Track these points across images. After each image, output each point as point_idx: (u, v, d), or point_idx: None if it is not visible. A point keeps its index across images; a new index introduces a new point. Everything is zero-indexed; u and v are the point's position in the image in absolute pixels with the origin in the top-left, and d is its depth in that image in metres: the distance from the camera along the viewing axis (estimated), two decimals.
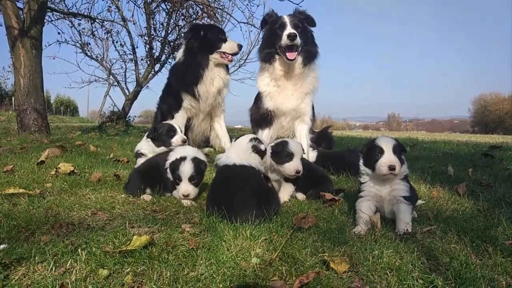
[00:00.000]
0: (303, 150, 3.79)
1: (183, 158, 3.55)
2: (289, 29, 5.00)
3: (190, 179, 3.51)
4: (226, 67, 6.79)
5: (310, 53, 5.28)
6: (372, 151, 3.04)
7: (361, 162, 3.18)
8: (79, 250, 2.33)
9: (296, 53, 5.07)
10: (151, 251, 2.37)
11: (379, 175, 3.00)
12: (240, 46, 6.55)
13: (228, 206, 2.95)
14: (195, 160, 3.57)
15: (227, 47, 6.45)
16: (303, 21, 5.28)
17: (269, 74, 5.41)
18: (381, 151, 2.97)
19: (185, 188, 3.50)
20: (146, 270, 2.17)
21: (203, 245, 2.51)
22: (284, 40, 4.96)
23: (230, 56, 6.52)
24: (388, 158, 2.93)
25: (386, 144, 2.98)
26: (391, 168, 2.89)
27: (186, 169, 3.51)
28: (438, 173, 5.10)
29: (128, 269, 2.17)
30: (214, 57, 6.45)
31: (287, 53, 5.05)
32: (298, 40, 5.00)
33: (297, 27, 5.10)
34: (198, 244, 2.50)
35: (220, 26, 15.46)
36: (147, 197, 3.67)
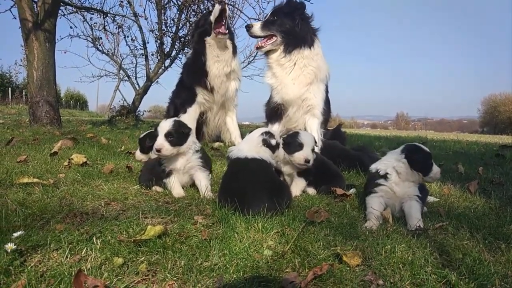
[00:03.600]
0: (315, 141, 3.79)
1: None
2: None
3: (167, 135, 3.49)
4: (233, 51, 6.60)
5: (293, 40, 5.33)
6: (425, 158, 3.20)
7: (402, 164, 3.18)
8: (94, 238, 2.36)
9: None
10: (165, 241, 2.39)
11: (428, 180, 3.25)
12: (221, 2, 6.28)
13: (240, 198, 2.96)
14: (176, 121, 3.63)
15: (212, 14, 6.21)
16: (279, 11, 5.42)
17: (267, 66, 5.61)
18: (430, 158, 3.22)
19: (160, 142, 3.46)
20: (160, 259, 2.19)
21: (216, 236, 2.52)
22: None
23: (220, 27, 6.20)
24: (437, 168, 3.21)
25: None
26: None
27: (164, 124, 3.53)
28: (448, 171, 5.10)
29: (143, 258, 2.19)
30: (209, 40, 6.34)
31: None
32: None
33: (273, 16, 5.40)
34: (211, 235, 2.52)
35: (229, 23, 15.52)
36: (159, 188, 3.69)
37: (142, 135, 4.70)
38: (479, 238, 2.66)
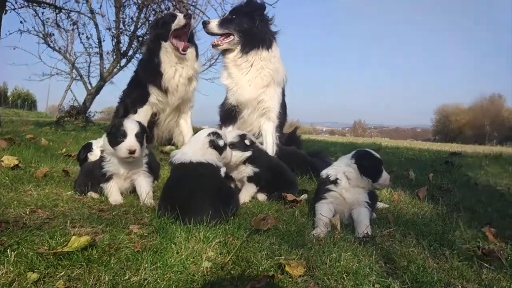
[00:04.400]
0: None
1: (122, 120, 3.41)
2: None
3: (136, 136, 3.27)
4: (196, 55, 6.32)
5: (251, 40, 5.20)
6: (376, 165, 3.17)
7: (352, 169, 3.11)
8: (8, 251, 2.10)
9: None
10: (90, 253, 2.17)
11: (377, 187, 3.20)
12: (187, 16, 5.88)
13: (182, 206, 2.76)
14: (139, 122, 3.43)
15: (175, 23, 5.86)
16: (239, 10, 5.30)
17: (224, 65, 5.43)
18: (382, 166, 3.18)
19: (132, 141, 3.23)
20: (83, 274, 1.97)
21: (149, 247, 2.32)
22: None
23: (180, 45, 5.91)
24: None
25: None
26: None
27: (132, 125, 3.30)
28: (399, 177, 5.14)
29: (62, 273, 1.96)
30: (165, 45, 6.00)
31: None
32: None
33: (231, 15, 5.27)
34: (144, 247, 2.32)
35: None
36: (95, 194, 3.43)
37: (78, 151, 4.29)
38: (425, 244, 2.64)
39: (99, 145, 3.80)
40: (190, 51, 6.09)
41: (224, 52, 5.36)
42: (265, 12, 5.27)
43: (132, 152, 3.22)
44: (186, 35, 5.96)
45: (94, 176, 3.45)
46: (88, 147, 4.01)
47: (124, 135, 3.24)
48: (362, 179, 3.06)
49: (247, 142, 3.69)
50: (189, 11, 14.14)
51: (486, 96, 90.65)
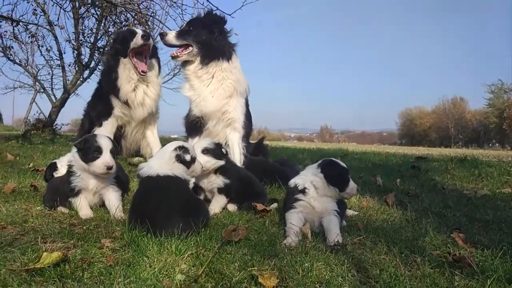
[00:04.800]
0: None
1: (94, 135, 3.39)
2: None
3: (111, 152, 3.30)
4: (156, 74, 6.37)
5: (210, 52, 5.25)
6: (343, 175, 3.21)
7: (319, 178, 3.15)
8: None
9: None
10: (63, 269, 2.15)
11: (344, 196, 3.21)
12: (145, 37, 5.87)
13: (152, 219, 2.75)
14: (109, 137, 3.45)
15: (133, 42, 5.89)
16: (197, 21, 5.38)
17: (185, 77, 5.48)
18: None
19: (108, 158, 3.25)
20: None
21: (122, 261, 2.31)
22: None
23: (142, 66, 5.98)
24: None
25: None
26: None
27: (105, 141, 3.32)
28: (367, 183, 5.23)
29: None
30: (124, 61, 6.05)
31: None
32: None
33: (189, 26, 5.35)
34: (116, 261, 2.31)
35: (150, 33, 15.18)
36: (64, 209, 3.38)
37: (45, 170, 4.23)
38: (396, 252, 2.66)
39: (63, 163, 3.76)
40: (150, 72, 6.19)
41: (184, 63, 5.40)
42: (224, 26, 5.34)
43: (109, 168, 3.24)
44: (148, 53, 6.03)
45: (62, 191, 3.40)
46: (53, 167, 3.95)
47: (99, 151, 3.24)
48: (329, 188, 3.10)
49: (224, 151, 3.73)
50: (146, 26, 14.15)
51: (448, 98, 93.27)
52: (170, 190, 3.01)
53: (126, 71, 6.03)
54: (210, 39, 5.17)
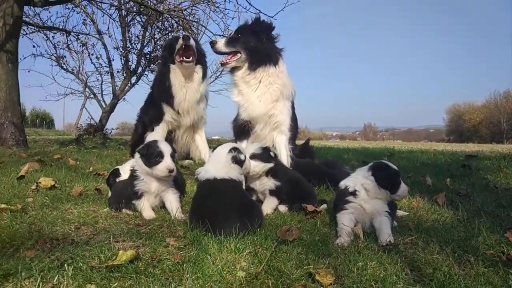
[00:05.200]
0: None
1: (155, 141, 3.64)
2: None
3: (171, 156, 3.55)
4: (202, 75, 6.60)
5: (258, 57, 5.39)
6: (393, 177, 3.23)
7: (370, 180, 3.21)
8: (65, 265, 2.30)
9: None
10: (137, 266, 2.36)
11: (395, 198, 3.25)
12: (185, 38, 6.22)
13: (211, 221, 2.94)
14: (169, 144, 3.70)
15: (178, 43, 6.23)
16: (245, 29, 5.51)
17: (233, 83, 5.65)
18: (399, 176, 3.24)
19: (170, 162, 3.50)
20: (133, 285, 2.15)
21: (188, 259, 2.49)
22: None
23: (184, 56, 6.27)
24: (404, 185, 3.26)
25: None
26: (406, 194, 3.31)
27: (166, 146, 3.57)
28: (416, 184, 5.20)
29: (116, 284, 2.15)
30: (174, 66, 6.37)
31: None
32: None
33: (237, 34, 5.52)
34: (183, 258, 2.49)
35: (195, 37, 15.58)
36: (129, 211, 3.63)
37: (107, 176, 4.40)
38: (449, 251, 2.70)
39: (126, 170, 4.00)
40: (197, 70, 6.44)
41: (233, 69, 5.57)
42: (272, 32, 5.47)
43: (171, 171, 3.49)
44: (192, 53, 6.28)
45: (126, 194, 3.65)
46: (116, 173, 4.18)
47: (161, 155, 3.49)
48: (380, 191, 3.15)
49: (272, 154, 3.88)
50: (190, 31, 14.51)
51: (500, 92, 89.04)
52: (226, 193, 3.20)
53: (177, 77, 6.32)
54: (257, 45, 5.32)
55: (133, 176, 3.64)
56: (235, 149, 3.47)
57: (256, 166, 3.79)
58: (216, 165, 3.40)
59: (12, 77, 8.88)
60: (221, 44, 5.44)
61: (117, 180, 4.09)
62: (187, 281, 2.20)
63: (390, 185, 3.17)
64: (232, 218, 2.98)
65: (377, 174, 3.19)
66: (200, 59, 6.51)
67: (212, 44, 5.52)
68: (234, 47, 5.39)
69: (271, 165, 3.88)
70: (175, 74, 6.35)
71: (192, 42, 6.23)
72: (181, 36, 6.24)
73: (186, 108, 6.50)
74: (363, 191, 3.18)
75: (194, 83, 6.45)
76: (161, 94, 6.57)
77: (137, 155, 3.59)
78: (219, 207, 3.06)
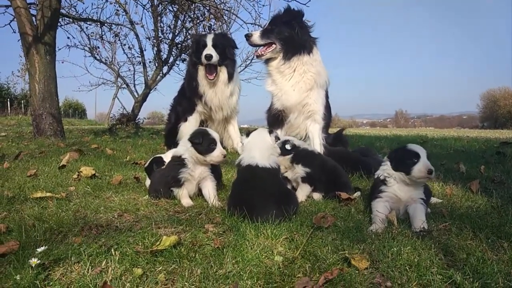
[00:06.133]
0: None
1: (205, 130, 3.81)
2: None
3: (220, 142, 3.78)
4: (228, 77, 6.65)
5: (292, 47, 5.44)
6: (407, 156, 3.17)
7: (389, 166, 3.26)
8: (112, 250, 2.44)
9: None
10: (179, 251, 2.48)
11: (415, 178, 3.11)
12: (207, 57, 6.28)
13: (249, 206, 3.04)
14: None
15: (202, 58, 6.35)
16: (278, 20, 5.57)
17: (267, 73, 5.74)
18: (418, 156, 3.11)
19: (222, 148, 3.70)
20: (177, 269, 2.27)
21: (228, 244, 2.60)
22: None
23: (208, 74, 6.42)
24: (425, 162, 3.10)
25: (421, 151, 3.15)
26: (430, 172, 3.05)
27: (216, 134, 3.76)
28: (450, 171, 5.19)
29: (160, 268, 2.27)
30: (202, 68, 6.53)
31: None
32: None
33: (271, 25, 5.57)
34: (223, 243, 2.60)
35: (225, 28, 15.63)
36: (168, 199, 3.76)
37: (147, 164, 4.44)
38: (482, 237, 2.72)
39: (169, 158, 4.11)
40: (222, 71, 6.52)
41: (267, 61, 5.66)
42: (303, 19, 5.50)
43: (224, 155, 3.72)
44: (214, 68, 6.43)
45: (165, 182, 3.78)
46: (160, 162, 4.27)
47: (215, 143, 3.67)
48: (398, 174, 3.18)
49: (287, 147, 3.97)
50: (221, 20, 14.61)
51: None
52: (267, 180, 3.31)
53: (205, 78, 6.46)
54: (291, 34, 5.38)
55: (176, 164, 3.76)
56: (271, 131, 3.68)
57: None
58: (261, 149, 3.49)
59: (50, 69, 9.17)
60: (256, 36, 5.53)
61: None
62: (228, 265, 2.31)
63: (402, 166, 3.17)
64: (270, 205, 3.08)
65: (390, 157, 3.28)
66: (225, 59, 6.57)
67: (248, 37, 5.62)
68: (269, 38, 5.47)
69: (288, 156, 3.99)
70: (204, 75, 6.50)
71: (214, 59, 6.32)
72: (204, 55, 6.29)
73: (218, 104, 6.63)
74: (390, 178, 3.23)
75: (220, 84, 6.55)
76: (192, 91, 6.71)
77: (188, 143, 3.70)
78: (259, 194, 3.18)
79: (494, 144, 8.84)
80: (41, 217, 3.11)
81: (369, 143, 9.39)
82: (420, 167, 3.08)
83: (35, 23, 9.27)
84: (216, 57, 6.29)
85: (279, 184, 3.44)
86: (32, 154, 6.16)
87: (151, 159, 4.34)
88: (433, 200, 3.69)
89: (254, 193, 3.17)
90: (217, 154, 3.66)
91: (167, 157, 4.18)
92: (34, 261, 2.18)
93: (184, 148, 3.76)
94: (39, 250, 2.33)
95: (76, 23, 16.81)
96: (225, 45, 6.51)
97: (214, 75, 6.37)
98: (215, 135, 3.72)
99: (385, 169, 3.29)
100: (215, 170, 3.96)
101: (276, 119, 5.68)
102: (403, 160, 3.18)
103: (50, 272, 2.22)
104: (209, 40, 6.32)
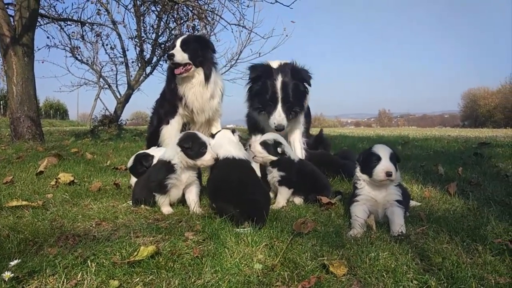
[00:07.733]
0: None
1: (193, 133, 3.79)
2: None
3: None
4: (205, 78, 6.42)
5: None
6: (369, 159, 3.18)
7: (358, 169, 3.30)
8: (88, 262, 2.40)
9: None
10: (157, 261, 2.45)
11: (376, 181, 3.12)
12: (169, 56, 6.12)
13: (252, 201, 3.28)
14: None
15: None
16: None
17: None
18: (379, 159, 3.11)
19: (213, 153, 3.63)
20: (155, 280, 2.25)
21: (207, 252, 2.59)
22: None
23: (176, 70, 6.18)
24: (385, 164, 3.08)
25: (383, 152, 3.13)
26: (388, 174, 3.04)
27: (205, 137, 3.75)
28: (429, 173, 5.27)
29: (137, 279, 2.25)
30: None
31: None
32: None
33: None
34: (202, 252, 2.59)
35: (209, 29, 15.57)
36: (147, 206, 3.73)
37: (131, 163, 4.35)
38: (458, 240, 2.77)
39: (157, 154, 4.09)
40: (198, 73, 6.34)
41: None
42: None
43: (216, 159, 3.66)
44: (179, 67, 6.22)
45: (151, 186, 3.70)
46: (146, 159, 4.20)
47: (205, 146, 3.60)
48: (367, 177, 3.22)
49: (279, 150, 3.96)
50: (205, 21, 14.55)
51: None
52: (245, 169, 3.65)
53: (183, 80, 6.37)
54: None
55: (164, 169, 3.67)
56: (233, 130, 3.89)
57: (260, 153, 3.95)
58: (231, 144, 3.75)
59: (28, 70, 9.02)
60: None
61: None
62: (206, 275, 2.30)
63: (365, 169, 3.23)
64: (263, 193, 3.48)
65: (358, 160, 3.33)
66: (199, 61, 6.35)
67: None
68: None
69: (273, 158, 3.98)
70: (182, 78, 6.40)
71: (177, 58, 6.14)
72: (167, 54, 6.22)
73: (199, 107, 6.54)
74: (360, 180, 3.28)
75: (198, 86, 6.46)
76: (172, 94, 6.62)
77: (178, 148, 3.62)
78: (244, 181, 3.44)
79: (473, 145, 8.99)
80: (16, 227, 3.04)
81: (352, 144, 9.47)
82: (379, 170, 3.10)
83: (13, 24, 9.10)
84: (181, 57, 6.17)
85: (256, 174, 3.74)
86: (9, 160, 6.06)
87: (134, 157, 4.27)
88: (412, 203, 3.73)
89: (247, 185, 3.42)
90: (208, 158, 3.59)
91: (154, 152, 4.20)
92: (7, 274, 2.13)
93: (173, 153, 3.66)
94: (12, 263, 2.27)
95: (56, 22, 16.53)
96: (197, 47, 6.39)
97: (181, 69, 6.18)
98: (205, 138, 3.67)
99: (355, 172, 3.34)
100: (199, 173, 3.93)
101: (254, 125, 5.63)
102: (366, 162, 3.22)
103: (24, 286, 2.18)
104: (178, 42, 6.21)
